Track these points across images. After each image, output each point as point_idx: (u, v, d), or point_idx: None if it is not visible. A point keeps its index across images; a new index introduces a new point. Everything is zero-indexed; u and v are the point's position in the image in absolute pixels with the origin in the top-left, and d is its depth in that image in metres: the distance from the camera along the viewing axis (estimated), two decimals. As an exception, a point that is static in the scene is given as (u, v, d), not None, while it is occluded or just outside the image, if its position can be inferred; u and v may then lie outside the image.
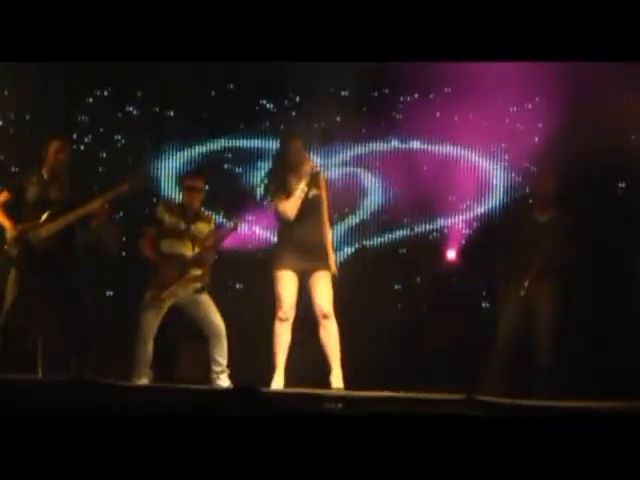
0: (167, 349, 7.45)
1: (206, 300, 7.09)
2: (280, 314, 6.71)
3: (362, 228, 8.44)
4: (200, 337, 7.23)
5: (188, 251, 7.03)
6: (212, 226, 7.25)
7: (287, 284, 6.67)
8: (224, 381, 7.03)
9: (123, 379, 6.71)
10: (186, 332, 7.63)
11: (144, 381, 6.89)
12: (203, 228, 7.14)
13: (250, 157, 8.58)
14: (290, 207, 6.64)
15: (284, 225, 6.76)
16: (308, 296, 6.73)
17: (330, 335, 6.70)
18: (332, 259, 6.77)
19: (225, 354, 7.06)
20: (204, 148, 8.62)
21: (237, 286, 8.47)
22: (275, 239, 7.03)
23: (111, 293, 8.39)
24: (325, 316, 6.68)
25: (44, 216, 6.72)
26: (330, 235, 6.83)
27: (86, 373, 6.65)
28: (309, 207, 6.69)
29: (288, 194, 6.65)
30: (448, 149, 8.36)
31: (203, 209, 7.28)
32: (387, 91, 8.41)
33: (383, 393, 6.13)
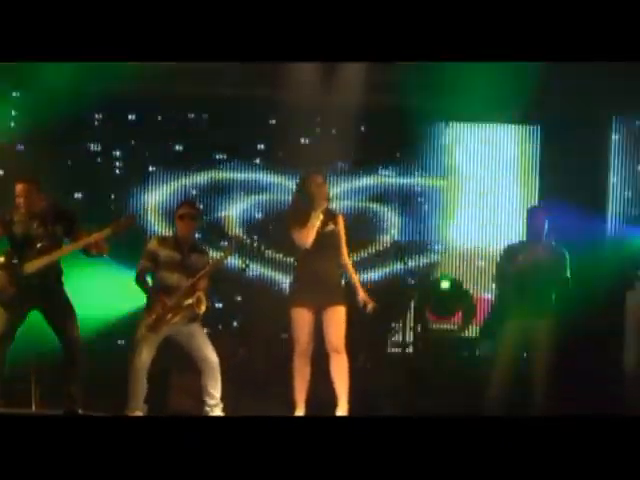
0: (159, 381, 7.38)
1: (199, 331, 7.05)
2: (298, 350, 6.79)
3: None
4: (192, 368, 7.17)
5: (182, 282, 6.99)
6: (207, 258, 7.22)
7: (302, 321, 6.77)
8: (218, 414, 6.95)
9: (117, 413, 6.66)
10: (177, 364, 7.59)
11: (138, 415, 6.79)
12: (199, 260, 7.10)
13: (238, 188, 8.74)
14: (305, 235, 6.73)
15: (300, 261, 6.88)
16: (321, 330, 6.79)
17: (340, 369, 6.77)
18: (361, 292, 6.90)
19: (219, 387, 7.00)
20: (191, 180, 8.73)
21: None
22: (292, 276, 7.10)
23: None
24: (336, 350, 6.76)
25: (30, 252, 6.69)
26: (351, 269, 6.97)
27: (79, 407, 6.61)
28: (324, 241, 6.79)
29: (304, 223, 6.73)
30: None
31: (198, 241, 7.24)
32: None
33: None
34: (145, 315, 6.98)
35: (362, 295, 6.92)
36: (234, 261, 8.28)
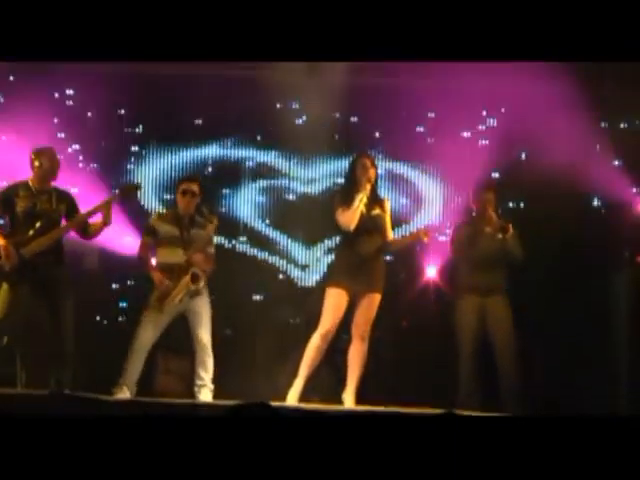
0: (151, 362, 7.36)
1: (202, 308, 7.02)
2: (322, 330, 6.79)
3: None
4: (184, 350, 7.24)
5: (182, 258, 6.97)
6: (209, 231, 7.11)
7: (337, 304, 6.78)
8: (206, 396, 6.98)
9: (104, 393, 6.65)
10: (170, 345, 7.57)
11: (125, 394, 6.81)
12: (200, 234, 7.06)
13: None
14: (349, 219, 6.72)
15: (343, 243, 6.90)
16: (352, 314, 6.83)
17: (359, 356, 6.83)
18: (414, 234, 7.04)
19: (209, 369, 7.01)
20: (194, 155, 8.63)
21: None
22: (333, 256, 7.15)
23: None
24: (362, 337, 6.82)
25: (33, 229, 6.69)
26: (396, 239, 7.04)
27: (65, 387, 6.60)
28: (369, 225, 6.81)
29: (349, 206, 6.72)
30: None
31: (200, 214, 7.17)
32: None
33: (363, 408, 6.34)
34: (151, 294, 6.98)
35: (416, 233, 6.96)
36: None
